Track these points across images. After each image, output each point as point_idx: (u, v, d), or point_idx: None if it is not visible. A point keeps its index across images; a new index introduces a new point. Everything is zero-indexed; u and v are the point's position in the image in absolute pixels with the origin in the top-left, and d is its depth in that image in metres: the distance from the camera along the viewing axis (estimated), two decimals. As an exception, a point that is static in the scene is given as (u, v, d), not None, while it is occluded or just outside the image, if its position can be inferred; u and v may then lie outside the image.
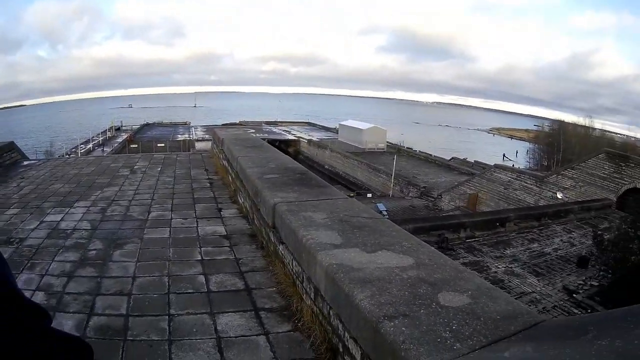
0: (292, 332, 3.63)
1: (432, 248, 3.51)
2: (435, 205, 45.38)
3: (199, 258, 5.35)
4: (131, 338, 3.62)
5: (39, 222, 7.01)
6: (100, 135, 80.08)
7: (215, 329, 3.71)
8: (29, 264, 5.26)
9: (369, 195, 46.57)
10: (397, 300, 2.58)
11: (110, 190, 8.96)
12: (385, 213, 32.27)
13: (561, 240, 19.08)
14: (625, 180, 27.61)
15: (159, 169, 11.03)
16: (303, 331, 3.58)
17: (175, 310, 4.07)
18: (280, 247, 4.52)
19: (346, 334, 2.86)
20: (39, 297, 4.38)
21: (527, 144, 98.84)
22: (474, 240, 17.79)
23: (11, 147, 13.83)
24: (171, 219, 6.95)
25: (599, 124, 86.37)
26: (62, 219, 7.13)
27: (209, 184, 9.28)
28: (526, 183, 34.74)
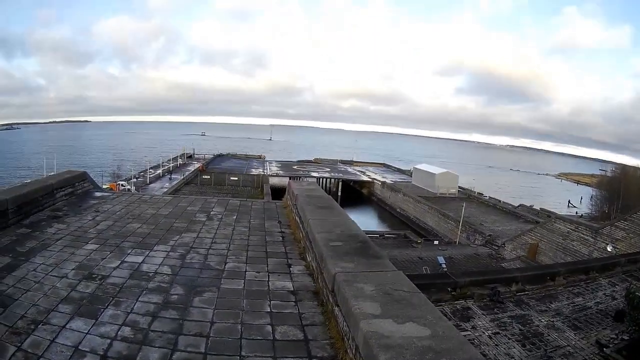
0: (337, 381, 4.85)
1: (449, 323, 4.64)
2: (498, 254, 46.15)
3: (268, 310, 6.57)
4: (208, 374, 4.90)
5: (120, 262, 8.31)
6: (171, 162, 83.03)
7: (277, 370, 4.93)
8: (113, 301, 6.60)
9: (436, 242, 47.73)
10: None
11: (189, 236, 10.26)
12: (444, 266, 33.74)
13: (604, 294, 19.74)
14: None
15: (235, 217, 12.30)
16: (344, 378, 4.79)
17: (245, 352, 5.34)
18: (336, 309, 5.73)
19: None
20: (126, 332, 5.73)
21: (591, 190, 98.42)
22: (524, 294, 18.66)
23: (84, 177, 15.05)
24: (245, 271, 8.18)
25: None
26: (143, 261, 8.42)
27: (281, 238, 10.49)
28: (582, 234, 36.29)
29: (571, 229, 37.72)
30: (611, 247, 32.76)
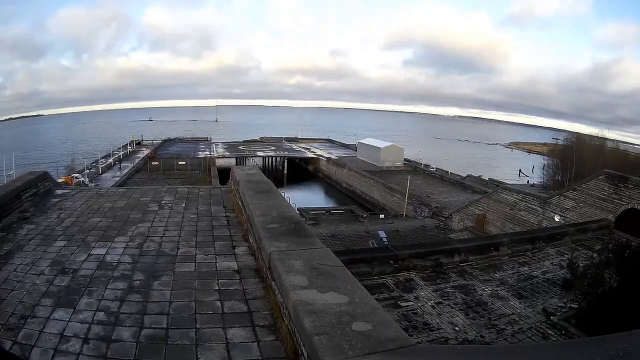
0: (274, 341, 5.95)
1: (365, 291, 5.77)
2: (446, 225, 47.44)
3: (217, 288, 7.65)
4: (170, 343, 5.96)
5: (87, 255, 9.21)
6: (120, 150, 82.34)
7: (226, 341, 6.01)
8: (86, 291, 7.54)
9: (382, 216, 48.71)
10: (326, 325, 4.82)
11: (144, 226, 11.22)
12: (385, 240, 34.57)
13: (551, 263, 20.26)
14: (623, 201, 29.31)
15: (184, 204, 13.32)
16: (281, 340, 5.88)
17: (199, 325, 6.40)
18: (273, 283, 6.80)
19: (301, 342, 5.08)
20: (100, 316, 6.73)
21: (543, 159, 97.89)
22: (467, 264, 19.19)
23: (45, 176, 15.79)
24: (195, 254, 9.23)
25: (616, 135, 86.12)
26: (107, 253, 9.36)
27: (226, 222, 11.55)
28: (530, 204, 37.11)
29: (518, 199, 38.64)
30: (559, 217, 33.86)
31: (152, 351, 5.84)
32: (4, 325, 6.55)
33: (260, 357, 5.64)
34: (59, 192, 15.51)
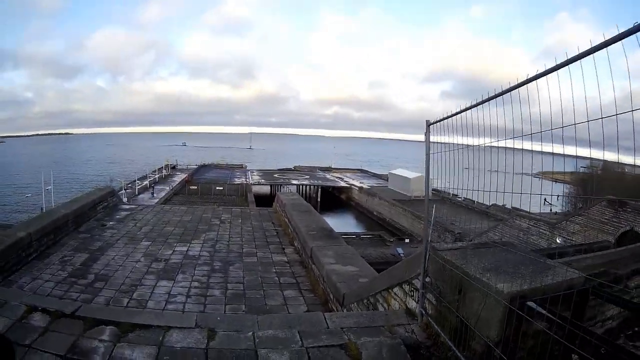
0: (313, 296, 9.46)
1: (369, 265, 9.33)
2: None
3: (274, 270, 11.19)
4: (247, 297, 9.44)
5: (172, 251, 12.70)
6: (156, 173, 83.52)
7: (283, 296, 9.51)
8: (180, 271, 10.99)
9: (407, 240, 51.08)
10: (346, 280, 8.37)
11: (212, 234, 14.76)
12: (402, 255, 38.71)
13: None
14: (622, 224, 31.92)
15: (240, 220, 16.84)
16: (317, 296, 9.41)
17: (265, 289, 9.92)
18: (313, 266, 10.39)
19: (330, 292, 8.63)
20: (195, 285, 10.10)
21: (566, 187, 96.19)
22: None
23: (112, 193, 19.21)
24: (256, 253, 12.78)
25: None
26: (188, 250, 12.86)
27: (275, 233, 15.09)
28: (541, 229, 39.66)
29: (530, 225, 41.11)
30: (560, 239, 36.03)
31: (236, 301, 9.24)
32: (117, 290, 9.64)
33: (304, 303, 9.13)
34: (125, 207, 19.05)
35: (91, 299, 9.08)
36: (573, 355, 3.59)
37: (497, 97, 3.85)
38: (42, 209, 47.62)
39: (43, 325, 5.23)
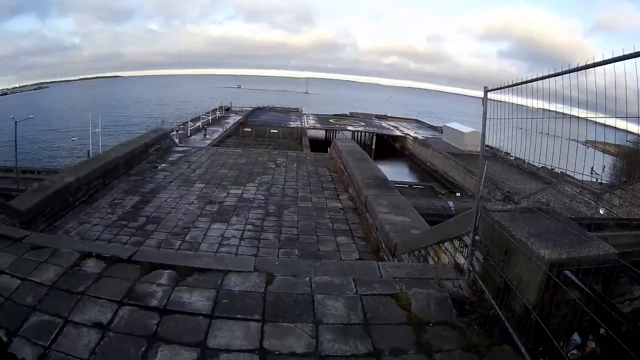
0: (365, 244, 9.70)
1: (420, 217, 9.42)
2: None
3: (328, 216, 11.41)
4: (301, 241, 9.77)
5: (226, 194, 13.03)
6: (209, 114, 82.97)
7: (336, 242, 9.79)
8: (234, 214, 11.31)
9: (458, 194, 50.87)
10: (398, 230, 8.52)
11: (267, 177, 15.09)
12: (452, 209, 38.81)
13: None
14: None
15: (295, 165, 17.10)
16: (369, 244, 9.62)
17: (319, 234, 10.20)
18: (367, 214, 10.57)
19: (382, 241, 8.83)
20: (249, 228, 10.43)
21: (613, 159, 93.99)
22: None
23: (166, 135, 19.53)
24: (311, 198, 13.02)
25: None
26: (242, 193, 13.18)
27: (331, 179, 15.31)
28: (586, 197, 39.59)
29: (576, 192, 40.94)
30: (603, 210, 36.08)
31: (289, 245, 9.57)
32: (169, 234, 9.91)
33: (356, 250, 9.39)
34: (178, 149, 19.34)
35: (142, 241, 9.39)
36: (600, 329, 3.71)
37: (563, 74, 3.81)
38: (88, 152, 48.61)
39: (97, 272, 5.39)
